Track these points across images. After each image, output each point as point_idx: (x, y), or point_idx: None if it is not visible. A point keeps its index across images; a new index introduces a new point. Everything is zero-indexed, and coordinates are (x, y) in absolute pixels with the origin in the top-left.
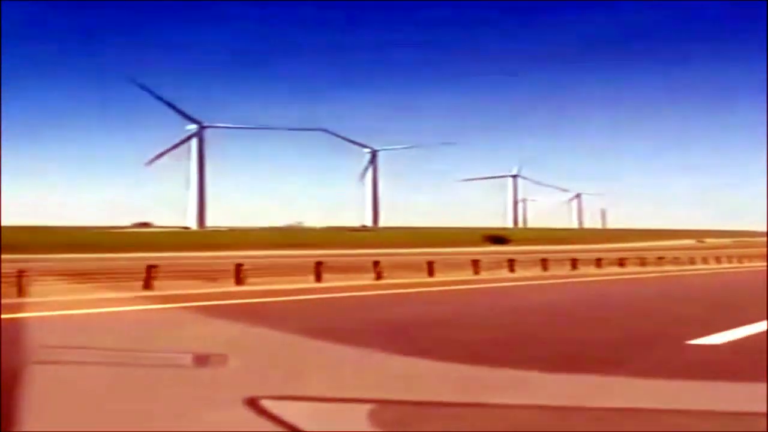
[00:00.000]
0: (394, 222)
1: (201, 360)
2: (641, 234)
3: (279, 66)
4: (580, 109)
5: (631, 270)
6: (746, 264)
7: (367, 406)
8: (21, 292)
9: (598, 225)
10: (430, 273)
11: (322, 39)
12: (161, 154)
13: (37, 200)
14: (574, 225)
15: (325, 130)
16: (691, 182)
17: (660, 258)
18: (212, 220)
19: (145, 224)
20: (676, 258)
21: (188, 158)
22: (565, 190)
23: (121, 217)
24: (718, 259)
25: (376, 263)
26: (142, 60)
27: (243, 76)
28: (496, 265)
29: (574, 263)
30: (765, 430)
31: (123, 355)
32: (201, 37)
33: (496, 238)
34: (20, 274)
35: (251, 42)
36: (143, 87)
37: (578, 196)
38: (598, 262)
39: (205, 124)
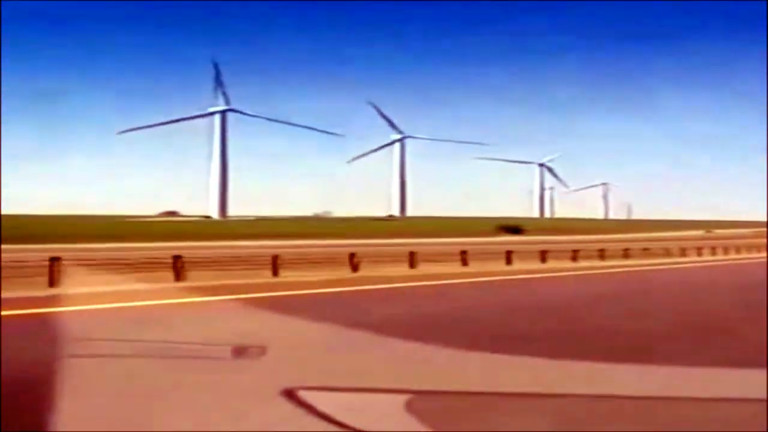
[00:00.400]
0: (420, 211)
1: (240, 352)
2: (659, 225)
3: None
4: (607, 101)
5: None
6: (733, 255)
7: (404, 397)
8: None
9: (625, 216)
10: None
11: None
12: (142, 127)
13: (63, 189)
14: (600, 216)
15: (372, 105)
16: (712, 173)
17: (645, 249)
18: (234, 209)
19: (172, 213)
20: (646, 250)
21: (199, 142)
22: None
23: (145, 206)
24: (703, 250)
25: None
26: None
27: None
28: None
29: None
30: (765, 415)
31: (162, 347)
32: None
33: (510, 228)
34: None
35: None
36: (216, 65)
37: (605, 185)
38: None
39: (228, 108)
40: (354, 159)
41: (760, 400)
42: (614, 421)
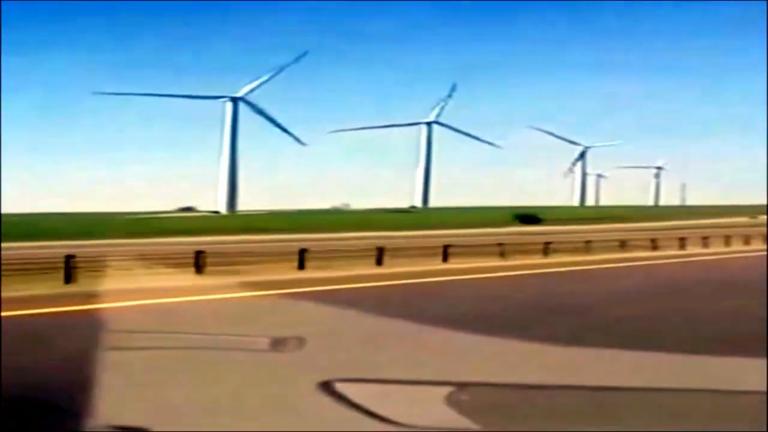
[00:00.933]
0: (445, 201)
1: (279, 344)
2: (707, 211)
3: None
4: (661, 82)
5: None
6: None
7: (445, 389)
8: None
9: (678, 201)
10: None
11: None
12: (121, 94)
13: (81, 186)
14: (651, 202)
15: (454, 85)
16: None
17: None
18: (246, 204)
19: (189, 209)
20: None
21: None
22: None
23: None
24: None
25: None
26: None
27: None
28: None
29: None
30: (765, 407)
31: (201, 339)
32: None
33: (527, 217)
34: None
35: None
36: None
37: (659, 168)
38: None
39: (238, 96)
40: (335, 131)
41: (759, 392)
42: (644, 412)
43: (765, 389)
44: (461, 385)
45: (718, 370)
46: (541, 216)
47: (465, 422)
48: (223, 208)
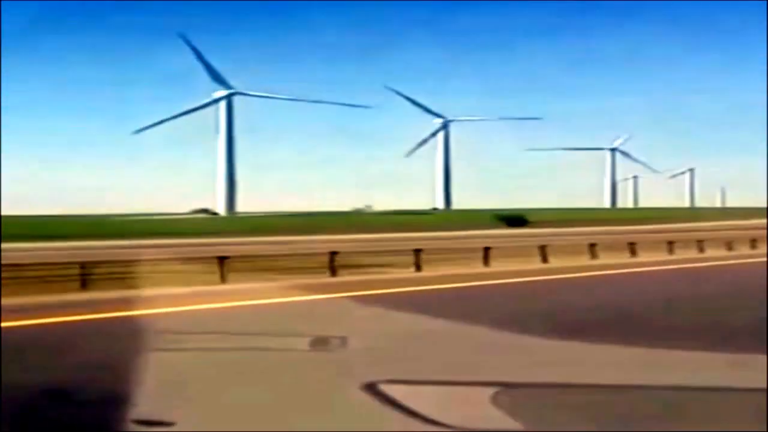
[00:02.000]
0: (469, 203)
1: (320, 343)
2: (745, 213)
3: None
4: (694, 72)
5: None
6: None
7: (491, 390)
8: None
9: (719, 203)
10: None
11: None
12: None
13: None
14: (687, 204)
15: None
16: None
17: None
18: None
19: (204, 210)
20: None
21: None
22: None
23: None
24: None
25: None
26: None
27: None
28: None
29: None
30: (765, 405)
31: (242, 340)
32: None
33: (512, 218)
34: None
35: None
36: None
37: (691, 170)
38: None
39: (235, 91)
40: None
41: (759, 390)
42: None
43: (765, 387)
44: (507, 386)
45: None
46: (529, 218)
47: (512, 424)
48: (221, 210)
